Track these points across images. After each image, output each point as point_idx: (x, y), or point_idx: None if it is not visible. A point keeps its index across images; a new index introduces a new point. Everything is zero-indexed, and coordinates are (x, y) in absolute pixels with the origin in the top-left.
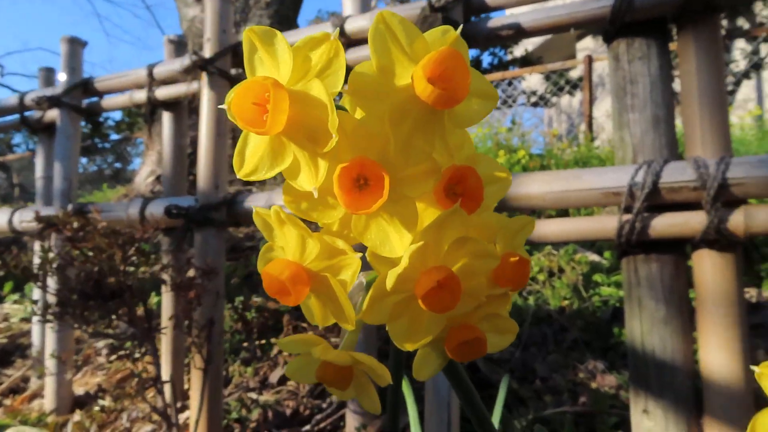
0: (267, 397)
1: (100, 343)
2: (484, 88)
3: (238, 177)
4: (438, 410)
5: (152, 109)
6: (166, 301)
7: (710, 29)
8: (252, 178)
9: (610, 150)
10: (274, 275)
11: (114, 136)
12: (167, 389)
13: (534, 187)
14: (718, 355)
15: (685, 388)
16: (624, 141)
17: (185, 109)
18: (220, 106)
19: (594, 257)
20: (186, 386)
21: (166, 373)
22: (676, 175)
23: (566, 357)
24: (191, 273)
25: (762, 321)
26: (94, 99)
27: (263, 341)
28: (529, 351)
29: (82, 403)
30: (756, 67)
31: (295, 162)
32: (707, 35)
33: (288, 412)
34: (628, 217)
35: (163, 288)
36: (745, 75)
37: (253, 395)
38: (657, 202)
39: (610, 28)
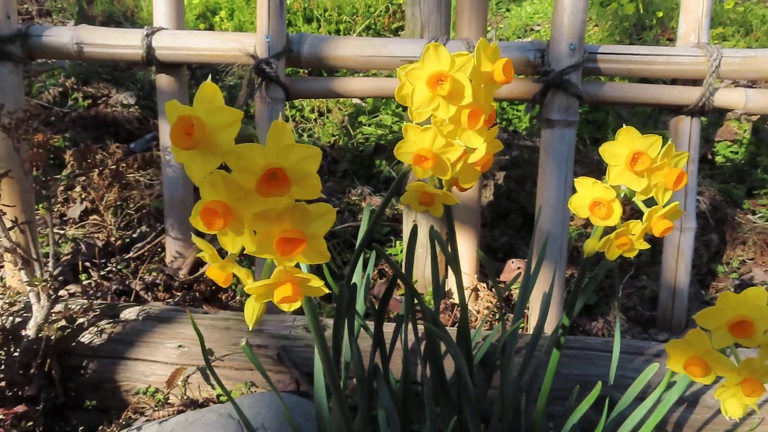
0: (72, 231)
1: None
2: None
3: (411, 110)
4: None
5: None
6: None
7: None
8: (419, 112)
9: None
10: (424, 155)
11: None
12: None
13: (348, 50)
14: None
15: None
16: (415, 17)
17: None
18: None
19: (357, 101)
20: None
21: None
22: (455, 50)
23: (340, 184)
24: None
25: None
26: None
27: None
28: None
29: None
30: None
31: (438, 105)
32: None
33: (100, 244)
34: None
35: None
36: None
37: (57, 231)
38: None
39: None
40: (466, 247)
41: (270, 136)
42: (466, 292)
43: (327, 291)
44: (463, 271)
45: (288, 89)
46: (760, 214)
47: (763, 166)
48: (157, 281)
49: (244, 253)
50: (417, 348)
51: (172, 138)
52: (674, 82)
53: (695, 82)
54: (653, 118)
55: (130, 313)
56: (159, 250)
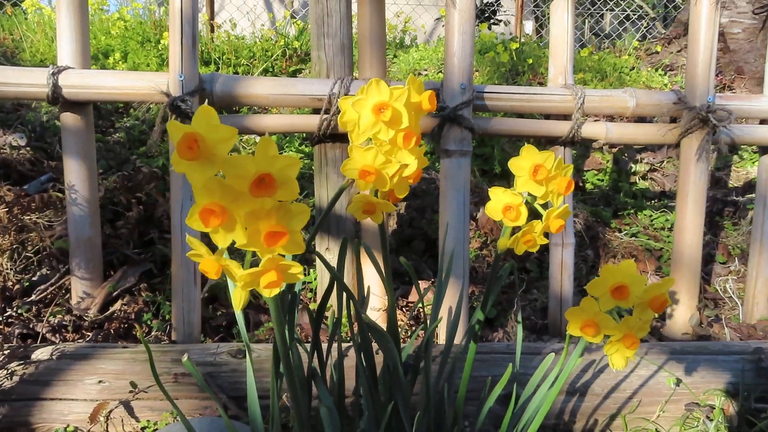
0: None
1: None
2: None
3: (357, 132)
4: (186, 262)
5: None
6: None
7: None
8: (364, 134)
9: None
10: (368, 170)
11: None
12: None
13: (260, 89)
14: None
15: (351, 230)
16: (321, 59)
17: None
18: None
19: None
20: None
21: None
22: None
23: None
24: None
25: None
26: None
27: None
28: None
29: None
30: None
31: (380, 129)
32: None
33: None
34: (326, 116)
35: None
36: None
37: None
38: None
39: None
40: (375, 273)
41: (259, 148)
42: (377, 314)
43: (303, 278)
44: (374, 293)
45: None
46: (625, 232)
47: (624, 191)
48: (65, 322)
49: (236, 246)
50: (347, 354)
51: (177, 151)
52: (548, 117)
53: (566, 117)
54: None
55: (42, 354)
56: (63, 292)
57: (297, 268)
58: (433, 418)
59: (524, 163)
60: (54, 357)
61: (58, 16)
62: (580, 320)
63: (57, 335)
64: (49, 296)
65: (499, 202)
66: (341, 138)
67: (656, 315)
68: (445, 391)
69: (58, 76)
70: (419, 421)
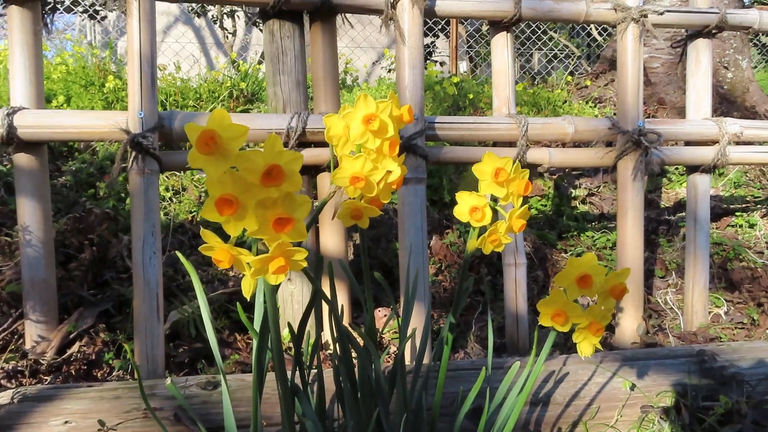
0: None
1: None
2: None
3: (348, 141)
4: (149, 298)
5: None
6: None
7: (330, 25)
8: (351, 144)
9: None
10: (357, 176)
11: None
12: None
13: None
14: (331, 238)
15: (312, 260)
16: (277, 95)
17: None
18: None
19: None
20: None
21: None
22: (314, 123)
23: (205, 257)
24: None
25: None
26: None
27: None
28: (171, 255)
29: None
30: None
31: (367, 138)
32: (329, 28)
33: None
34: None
35: None
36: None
37: None
38: (303, 140)
39: (270, 10)
40: (340, 298)
41: (266, 146)
42: None
43: (305, 265)
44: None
45: (161, 161)
46: (570, 252)
47: (566, 215)
48: (20, 367)
49: (246, 234)
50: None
51: (196, 147)
52: (495, 144)
53: (511, 144)
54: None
55: (2, 398)
56: (16, 337)
57: (301, 254)
58: (410, 430)
59: (486, 167)
60: (15, 400)
61: (11, 57)
62: (551, 310)
63: (12, 381)
64: (0, 342)
65: (466, 204)
66: (301, 171)
67: (617, 302)
68: (423, 400)
69: (13, 116)
70: (404, 429)
